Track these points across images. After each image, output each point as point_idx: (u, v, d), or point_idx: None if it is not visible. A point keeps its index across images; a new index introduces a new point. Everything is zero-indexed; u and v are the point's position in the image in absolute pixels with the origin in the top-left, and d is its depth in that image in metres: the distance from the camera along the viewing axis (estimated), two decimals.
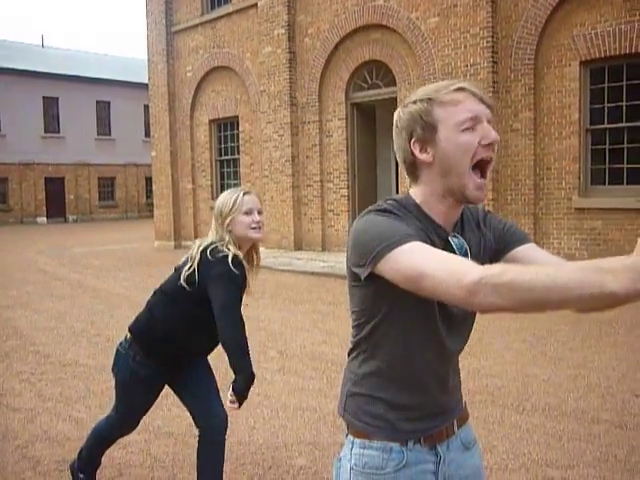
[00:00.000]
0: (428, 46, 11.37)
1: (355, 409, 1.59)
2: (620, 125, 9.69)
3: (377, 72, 12.77)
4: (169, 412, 4.51)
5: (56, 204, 33.61)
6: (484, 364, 5.56)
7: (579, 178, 10.01)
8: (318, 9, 13.37)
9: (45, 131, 33.00)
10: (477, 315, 1.53)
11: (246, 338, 2.77)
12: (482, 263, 1.29)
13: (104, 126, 35.18)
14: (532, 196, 10.36)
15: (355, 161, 13.42)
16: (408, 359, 1.51)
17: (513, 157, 10.53)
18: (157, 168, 17.94)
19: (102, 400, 4.94)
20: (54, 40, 64.32)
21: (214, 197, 16.56)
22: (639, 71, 9.41)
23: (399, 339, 1.49)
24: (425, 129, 1.44)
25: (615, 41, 9.42)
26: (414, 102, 1.50)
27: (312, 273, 11.27)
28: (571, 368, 5.43)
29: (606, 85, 9.78)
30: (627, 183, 9.69)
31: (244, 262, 2.84)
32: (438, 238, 1.46)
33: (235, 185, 16.24)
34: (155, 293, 3.09)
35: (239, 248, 2.85)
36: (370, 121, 13.78)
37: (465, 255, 1.45)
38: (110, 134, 35.36)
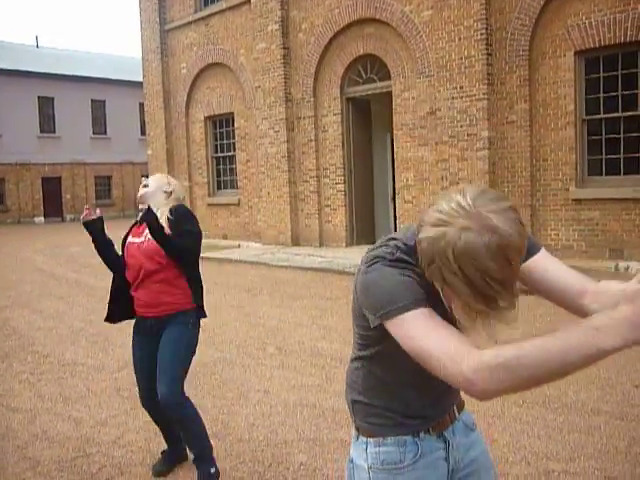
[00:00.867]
0: (422, 39, 11.33)
1: (363, 414, 1.66)
2: (616, 115, 9.67)
3: (372, 66, 12.73)
4: None
5: (53, 204, 33.54)
6: None
7: (576, 169, 10.00)
8: (311, 4, 13.32)
9: (41, 131, 32.89)
10: None
11: None
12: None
13: (100, 125, 35.07)
14: (529, 188, 10.35)
15: (351, 156, 13.39)
16: (409, 385, 1.59)
17: (509, 149, 10.52)
18: (153, 166, 17.88)
19: (101, 399, 4.94)
20: (48, 40, 64.10)
21: (211, 194, 16.56)
22: (634, 60, 9.39)
23: (400, 367, 1.53)
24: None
25: (610, 31, 9.39)
26: None
27: (310, 269, 11.26)
28: None
29: (601, 75, 9.76)
30: (624, 173, 9.68)
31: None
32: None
33: (231, 182, 16.22)
34: None
35: None
36: (365, 115, 13.75)
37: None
38: (106, 133, 35.26)
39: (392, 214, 13.67)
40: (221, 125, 16.42)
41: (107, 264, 3.63)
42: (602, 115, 9.82)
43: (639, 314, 1.11)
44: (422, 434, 1.62)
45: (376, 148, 14.24)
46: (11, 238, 22.66)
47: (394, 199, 13.17)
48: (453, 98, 10.84)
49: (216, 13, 15.66)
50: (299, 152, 13.96)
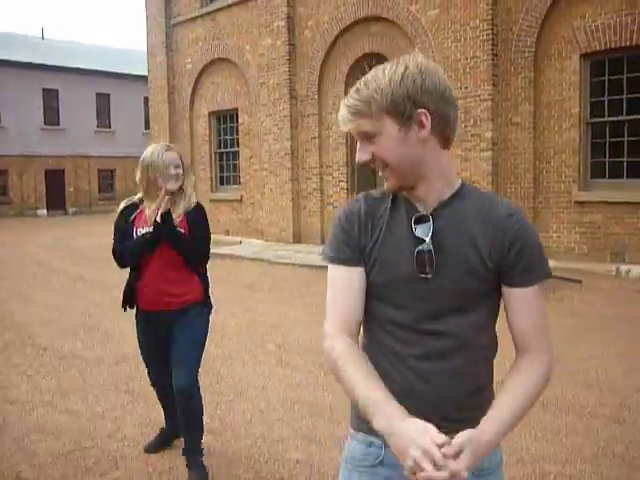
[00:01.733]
0: (428, 38, 11.30)
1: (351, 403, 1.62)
2: (620, 118, 9.64)
3: (377, 65, 12.64)
4: None
5: (56, 196, 33.54)
6: None
7: (579, 171, 9.97)
8: (318, 1, 13.30)
9: (45, 123, 32.89)
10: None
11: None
12: (449, 256, 1.42)
13: (104, 118, 35.07)
14: (532, 190, 10.33)
15: (354, 154, 13.34)
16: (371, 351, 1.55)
17: (512, 150, 10.49)
18: None
19: (99, 393, 4.94)
20: (54, 32, 64.12)
21: (213, 190, 16.55)
22: None
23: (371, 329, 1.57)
24: None
25: (615, 34, 9.36)
26: None
27: (311, 266, 11.24)
28: (571, 363, 5.41)
29: (606, 78, 9.73)
30: (627, 176, 9.65)
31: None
32: (408, 219, 1.46)
33: (234, 178, 16.21)
34: None
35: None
36: None
37: (425, 235, 1.42)
38: (110, 126, 35.25)
39: None
40: (225, 121, 16.40)
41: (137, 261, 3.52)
42: (606, 118, 9.80)
43: (408, 444, 1.22)
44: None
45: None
46: (13, 230, 22.69)
47: None
48: (457, 98, 10.68)
49: (222, 8, 15.64)
50: (302, 149, 13.95)
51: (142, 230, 3.43)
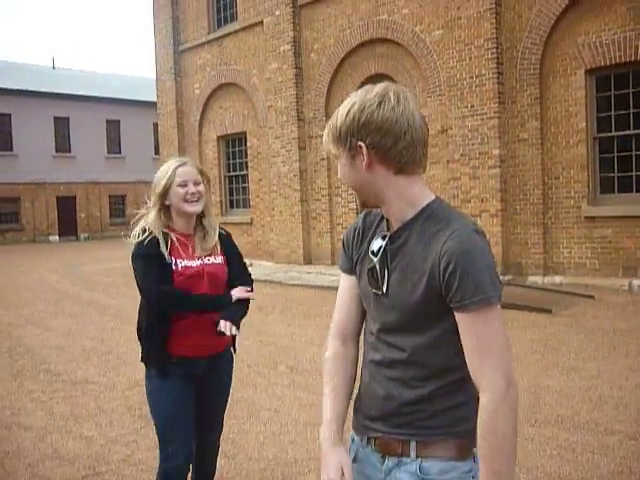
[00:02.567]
0: (433, 59, 11.40)
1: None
2: (628, 132, 9.65)
3: None
4: None
5: (68, 222, 33.82)
6: None
7: (588, 186, 9.96)
8: (323, 25, 13.46)
9: (56, 150, 33.28)
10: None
11: (150, 318, 2.84)
12: (399, 276, 1.52)
13: (114, 144, 35.44)
14: (541, 206, 10.32)
15: None
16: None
17: (521, 167, 10.51)
18: None
19: (113, 418, 4.95)
20: (64, 61, 65.11)
21: (223, 213, 16.64)
22: None
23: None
24: None
25: (620, 49, 9.41)
26: None
27: (322, 287, 11.26)
28: (584, 379, 5.38)
29: (612, 93, 9.76)
30: (637, 191, 9.63)
31: (160, 238, 2.83)
32: (379, 235, 1.61)
33: (244, 200, 16.30)
34: None
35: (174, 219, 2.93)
36: None
37: (373, 254, 1.57)
38: (120, 152, 35.61)
39: None
40: (234, 144, 16.54)
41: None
42: (614, 133, 9.81)
43: (325, 462, 1.57)
44: (365, 440, 1.62)
45: None
46: (26, 257, 22.85)
47: None
48: (464, 117, 10.87)
49: (229, 34, 15.85)
50: (311, 171, 14.03)
51: (186, 262, 2.81)
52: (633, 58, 9.30)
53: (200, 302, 2.79)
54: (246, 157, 15.97)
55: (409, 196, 1.52)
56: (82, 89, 33.79)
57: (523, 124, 10.43)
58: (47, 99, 32.18)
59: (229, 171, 16.73)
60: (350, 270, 1.68)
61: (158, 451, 2.87)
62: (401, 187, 1.52)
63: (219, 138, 16.67)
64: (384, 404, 1.57)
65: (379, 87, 1.51)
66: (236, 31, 15.63)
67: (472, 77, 10.76)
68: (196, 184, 2.89)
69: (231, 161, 16.68)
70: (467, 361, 1.43)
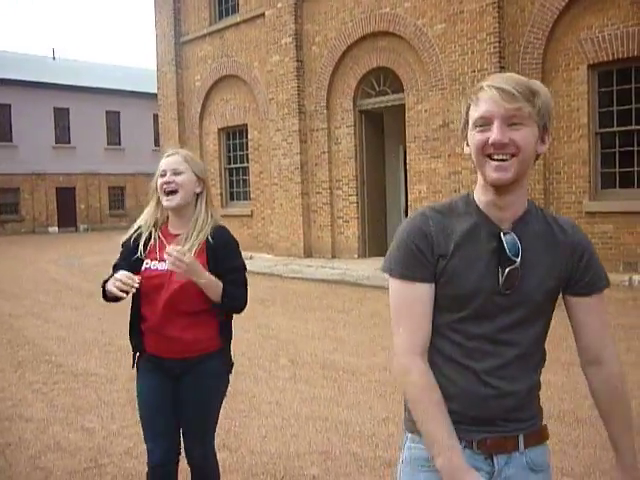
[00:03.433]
0: (435, 52, 11.36)
1: (406, 405, 1.64)
2: (630, 128, 9.63)
3: (385, 79, 12.77)
4: None
5: (67, 213, 33.80)
6: None
7: (589, 182, 9.96)
8: (325, 17, 13.41)
9: (56, 141, 33.23)
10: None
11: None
12: (526, 273, 1.48)
13: (114, 136, 35.37)
14: (542, 200, 10.31)
15: (364, 168, 13.41)
16: (438, 345, 1.57)
17: None
18: None
19: (114, 410, 4.95)
20: (65, 52, 64.91)
21: (224, 206, 16.62)
22: None
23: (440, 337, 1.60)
24: (464, 124, 1.55)
25: (623, 44, 9.38)
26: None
27: (322, 280, 11.26)
28: None
29: (614, 88, 9.74)
30: (638, 186, 9.63)
31: (143, 233, 2.67)
32: (488, 234, 1.51)
33: (244, 193, 16.29)
34: None
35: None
36: (378, 128, 13.78)
37: (516, 255, 1.48)
38: (120, 144, 35.54)
39: None
40: (234, 137, 16.51)
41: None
42: (615, 128, 9.79)
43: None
44: (462, 445, 1.50)
45: (389, 160, 14.24)
46: (26, 248, 22.84)
47: (407, 211, 13.16)
48: None
49: (231, 26, 15.80)
50: (312, 164, 14.00)
51: (153, 264, 2.61)
52: (636, 53, 9.28)
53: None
54: (247, 150, 15.94)
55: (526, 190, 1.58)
56: (82, 80, 33.70)
57: None
58: (47, 90, 32.10)
59: (230, 163, 16.70)
60: (430, 277, 1.52)
61: None
62: (527, 181, 1.57)
63: (220, 130, 16.64)
64: (494, 403, 1.51)
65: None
66: (237, 23, 15.57)
67: (474, 71, 10.73)
68: (175, 173, 2.59)
69: (232, 153, 16.65)
70: (588, 338, 1.57)
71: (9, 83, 30.86)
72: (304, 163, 14.03)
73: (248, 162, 15.93)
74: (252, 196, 15.80)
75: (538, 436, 1.59)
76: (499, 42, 10.45)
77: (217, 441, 4.25)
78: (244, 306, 2.70)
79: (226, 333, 2.71)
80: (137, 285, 2.37)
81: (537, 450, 1.57)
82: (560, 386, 5.12)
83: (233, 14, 15.88)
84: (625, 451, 1.58)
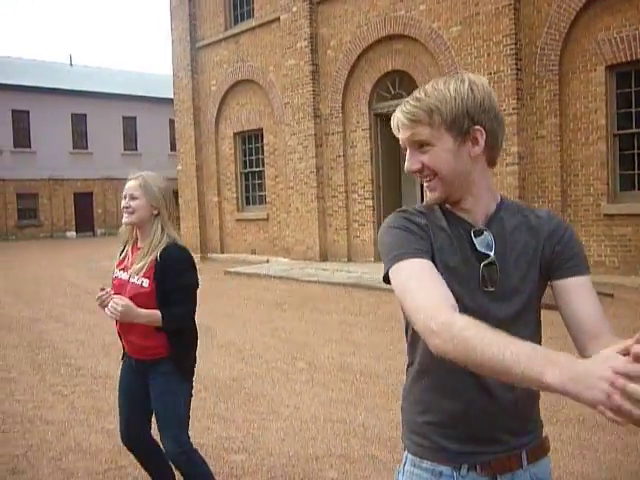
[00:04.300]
0: (451, 55, 11.34)
1: (406, 424, 1.56)
2: None
3: (400, 82, 12.76)
4: (199, 424, 4.52)
5: (85, 218, 34.11)
6: None
7: (607, 184, 9.88)
8: (340, 21, 13.44)
9: (74, 147, 33.57)
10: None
11: None
12: (508, 266, 1.42)
13: (131, 141, 35.67)
14: (559, 203, 10.25)
15: (379, 171, 13.41)
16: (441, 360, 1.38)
17: (539, 164, 10.43)
18: (183, 182, 18.12)
19: None
20: (82, 58, 65.58)
21: (240, 210, 16.69)
22: None
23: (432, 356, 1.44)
24: None
25: None
26: None
27: (338, 284, 11.26)
28: None
29: (633, 89, 9.66)
30: None
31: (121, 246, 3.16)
32: (462, 234, 1.46)
33: (260, 197, 16.34)
34: None
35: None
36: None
37: (489, 249, 1.43)
38: (137, 149, 35.82)
39: None
40: (250, 141, 16.57)
41: None
42: (634, 130, 9.70)
43: (594, 376, 1.00)
44: (464, 469, 1.42)
45: (404, 163, 14.21)
46: (44, 252, 23.07)
47: None
48: None
49: (246, 31, 15.88)
50: (327, 167, 14.02)
51: (118, 273, 3.03)
52: None
53: None
54: (262, 154, 16.00)
55: (493, 188, 1.52)
56: (99, 86, 34.04)
57: (542, 121, 10.35)
58: (65, 96, 32.45)
59: (245, 168, 16.77)
60: (430, 253, 1.40)
61: None
62: (489, 179, 1.50)
63: (235, 135, 16.71)
64: (495, 412, 1.43)
65: (470, 75, 1.47)
66: (253, 28, 15.64)
67: (490, 73, 10.69)
68: (132, 198, 2.95)
69: (247, 158, 16.71)
70: (587, 316, 1.41)
71: (28, 90, 31.25)
72: (320, 167, 14.05)
73: (264, 166, 15.98)
74: (268, 200, 15.85)
75: (540, 450, 1.53)
76: (515, 44, 10.41)
77: (235, 444, 4.30)
78: (187, 324, 2.97)
79: (176, 341, 2.93)
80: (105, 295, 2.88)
81: (540, 464, 1.51)
82: None
83: (248, 19, 15.96)
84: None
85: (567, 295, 1.44)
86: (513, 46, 10.41)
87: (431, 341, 1.23)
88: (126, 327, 2.95)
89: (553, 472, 3.65)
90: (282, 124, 14.87)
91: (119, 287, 2.97)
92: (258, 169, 16.32)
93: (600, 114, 9.84)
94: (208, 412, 4.88)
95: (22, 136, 31.84)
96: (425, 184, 1.48)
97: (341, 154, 13.64)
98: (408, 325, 1.51)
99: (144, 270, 2.87)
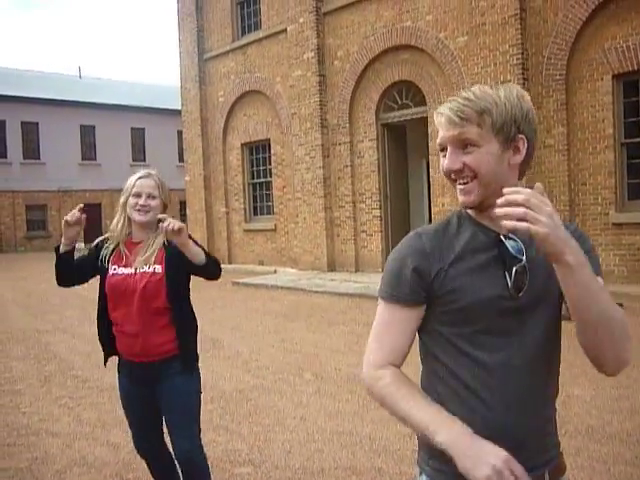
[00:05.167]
0: (457, 65, 11.35)
1: (423, 447, 1.52)
2: None
3: (407, 92, 12.78)
4: (204, 436, 4.49)
5: (93, 229, 33.97)
6: None
7: (615, 193, 9.83)
8: (347, 32, 13.49)
9: (82, 158, 33.75)
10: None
11: None
12: (540, 270, 1.41)
13: (139, 152, 35.84)
14: (567, 212, 10.20)
15: (387, 181, 13.40)
16: (451, 372, 1.46)
17: (547, 173, 10.40)
18: (191, 192, 18.18)
19: None
20: (91, 70, 66.11)
21: (247, 220, 16.71)
22: None
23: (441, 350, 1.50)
24: None
25: None
26: None
27: (346, 294, 11.23)
28: (614, 388, 5.28)
29: None
30: None
31: (110, 244, 3.09)
32: (487, 242, 1.44)
33: (268, 207, 16.36)
34: None
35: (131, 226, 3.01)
36: (401, 141, 13.77)
37: (520, 253, 1.41)
38: (145, 160, 35.94)
39: None
40: (257, 151, 16.62)
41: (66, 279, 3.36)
42: None
43: (482, 450, 1.26)
44: None
45: (412, 173, 14.22)
46: (53, 264, 23.11)
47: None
48: None
49: (253, 42, 15.96)
50: (335, 178, 14.03)
51: (118, 269, 3.02)
52: None
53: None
54: (270, 164, 16.04)
55: None
56: (108, 98, 34.24)
57: (549, 130, 10.33)
58: (74, 108, 32.65)
59: (253, 178, 16.81)
60: (424, 300, 1.45)
61: None
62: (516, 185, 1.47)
63: (243, 145, 16.76)
64: (521, 444, 1.40)
65: (516, 86, 1.48)
66: (260, 39, 15.73)
67: (497, 83, 10.67)
68: (149, 197, 2.94)
69: (255, 168, 16.76)
70: None
71: (37, 102, 31.47)
72: (327, 177, 14.06)
73: (271, 177, 16.01)
74: (275, 210, 15.87)
75: (559, 470, 1.50)
76: (522, 54, 10.41)
77: (241, 456, 4.27)
78: (217, 271, 2.97)
79: (183, 330, 2.96)
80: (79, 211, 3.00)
81: None
82: (588, 401, 5.03)
83: (255, 30, 16.05)
84: None
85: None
86: (520, 56, 10.40)
87: (365, 388, 1.49)
88: (148, 324, 2.88)
89: None
90: (289, 135, 14.91)
91: (121, 282, 2.94)
92: (265, 180, 16.35)
93: (607, 123, 9.81)
94: (214, 424, 4.86)
95: (31, 148, 32.05)
96: (460, 187, 1.44)
97: (348, 164, 13.65)
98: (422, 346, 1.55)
99: (153, 257, 2.89)
